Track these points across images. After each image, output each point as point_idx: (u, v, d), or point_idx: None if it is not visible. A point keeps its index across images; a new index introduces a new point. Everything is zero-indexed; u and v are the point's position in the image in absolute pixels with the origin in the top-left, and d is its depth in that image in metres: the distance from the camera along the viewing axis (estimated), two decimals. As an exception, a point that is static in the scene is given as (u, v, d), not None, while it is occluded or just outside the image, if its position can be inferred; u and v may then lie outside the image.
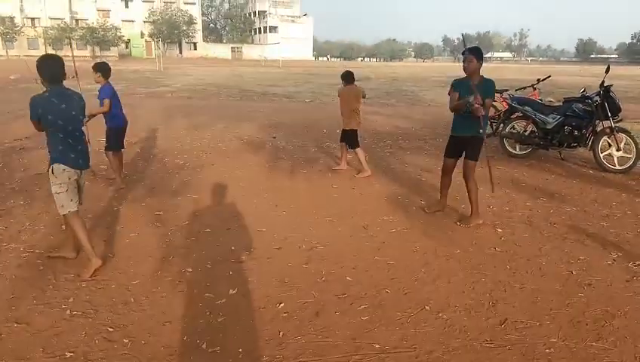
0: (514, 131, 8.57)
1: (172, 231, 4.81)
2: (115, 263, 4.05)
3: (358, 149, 7.10)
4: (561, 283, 3.78)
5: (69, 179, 3.78)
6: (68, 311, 3.30)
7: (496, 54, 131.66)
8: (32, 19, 68.13)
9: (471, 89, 4.75)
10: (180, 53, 77.13)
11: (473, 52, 4.89)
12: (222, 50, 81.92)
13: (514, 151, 8.48)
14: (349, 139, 7.13)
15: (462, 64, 4.94)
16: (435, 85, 27.88)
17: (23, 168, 7.04)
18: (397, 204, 5.75)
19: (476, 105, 4.69)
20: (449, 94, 5.12)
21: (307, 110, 15.31)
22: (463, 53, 4.95)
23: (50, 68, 3.72)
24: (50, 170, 3.76)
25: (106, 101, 5.91)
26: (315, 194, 6.22)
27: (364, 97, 7.09)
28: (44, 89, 3.73)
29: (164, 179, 6.69)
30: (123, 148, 6.40)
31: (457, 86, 5.01)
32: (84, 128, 4.02)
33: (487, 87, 4.87)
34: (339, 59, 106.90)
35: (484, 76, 4.92)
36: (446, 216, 5.37)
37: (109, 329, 3.11)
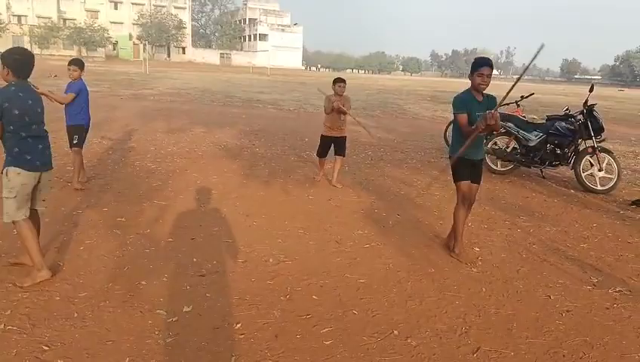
0: (496, 147, 8.43)
1: (131, 239, 4.51)
2: (63, 273, 3.74)
3: (342, 158, 6.88)
4: (538, 309, 3.57)
5: (22, 185, 3.48)
6: (2, 326, 2.99)
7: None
8: (19, 16, 67.23)
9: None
10: (168, 57, 76.70)
11: (491, 65, 4.21)
12: (210, 56, 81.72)
13: (495, 168, 8.33)
14: (343, 145, 6.84)
15: (476, 79, 4.17)
16: (420, 99, 27.93)
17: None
18: (373, 218, 5.53)
19: (491, 123, 3.95)
20: (455, 114, 4.33)
21: (290, 118, 15.10)
22: (473, 68, 4.22)
23: (20, 60, 3.46)
24: (4, 172, 3.47)
25: (70, 96, 5.83)
26: (289, 204, 5.97)
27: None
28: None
29: (133, 184, 6.38)
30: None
31: (465, 103, 4.28)
32: None
33: (492, 103, 4.29)
34: (328, 70, 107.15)
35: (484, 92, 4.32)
36: (421, 231, 5.16)
37: (44, 347, 2.81)
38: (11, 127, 3.40)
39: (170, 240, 4.56)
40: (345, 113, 6.55)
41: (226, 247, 4.47)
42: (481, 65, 4.16)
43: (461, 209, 4.49)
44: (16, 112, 3.36)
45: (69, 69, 5.87)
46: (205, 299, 3.49)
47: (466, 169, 4.42)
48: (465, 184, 4.44)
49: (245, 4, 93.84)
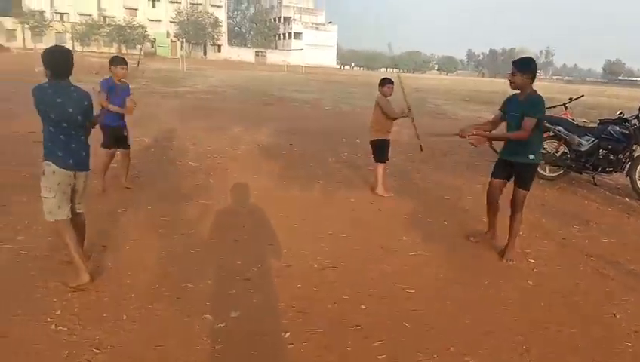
0: (544, 152, 8.09)
1: (176, 239, 4.49)
2: (111, 273, 3.74)
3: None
4: (604, 328, 3.35)
5: (58, 183, 3.44)
6: (53, 326, 2.99)
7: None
8: (62, 14, 69.28)
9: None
10: (205, 54, 77.68)
11: (516, 64, 4.24)
12: (246, 54, 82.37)
13: (544, 173, 8.00)
14: (388, 149, 6.46)
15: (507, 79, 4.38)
16: (458, 99, 27.39)
17: (31, 162, 6.80)
18: (418, 224, 5.36)
19: (471, 136, 4.48)
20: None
21: (327, 118, 14.99)
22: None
23: (55, 60, 3.43)
24: (43, 169, 3.45)
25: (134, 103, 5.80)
26: (330, 207, 5.86)
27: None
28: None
29: (175, 182, 6.39)
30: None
31: (505, 103, 4.46)
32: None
33: (528, 105, 4.18)
34: (362, 68, 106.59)
35: (534, 92, 4.24)
36: (474, 240, 4.96)
37: (95, 350, 2.79)
38: (44, 123, 3.44)
39: (214, 241, 4.52)
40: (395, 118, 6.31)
41: (269, 250, 4.39)
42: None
43: (487, 203, 4.74)
44: (42, 108, 3.38)
45: (123, 68, 5.59)
46: (252, 305, 3.41)
47: (499, 167, 4.59)
48: (491, 181, 4.64)
49: (280, 3, 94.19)
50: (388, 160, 6.48)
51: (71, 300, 3.30)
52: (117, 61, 5.63)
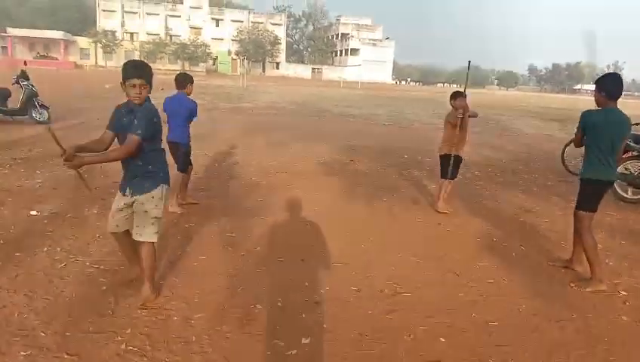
0: (627, 173, 7.51)
1: (243, 256, 4.42)
2: (180, 290, 3.69)
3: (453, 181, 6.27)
4: None
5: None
6: (123, 345, 2.94)
7: (586, 86, 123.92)
8: (131, 33, 73.17)
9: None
10: (263, 71, 79.48)
11: (596, 82, 4.24)
12: (302, 71, 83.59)
13: (625, 196, 7.42)
14: (455, 165, 6.13)
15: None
16: (522, 114, 26.37)
17: (102, 175, 7.03)
18: (492, 248, 5.03)
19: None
20: None
21: (386, 133, 14.77)
22: None
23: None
24: (161, 190, 3.39)
25: None
26: (396, 227, 5.64)
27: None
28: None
29: (239, 198, 6.39)
30: None
31: None
32: None
33: None
34: (418, 83, 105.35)
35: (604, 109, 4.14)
36: (551, 267, 4.58)
37: (165, 374, 2.71)
38: (153, 144, 3.32)
39: (281, 260, 4.40)
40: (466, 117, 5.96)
41: (336, 272, 4.23)
42: None
43: None
44: (160, 129, 3.33)
45: (193, 85, 5.64)
46: (323, 331, 3.25)
47: None
48: None
49: (338, 20, 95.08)
50: (456, 177, 6.19)
51: (140, 318, 3.26)
52: (192, 79, 5.69)
